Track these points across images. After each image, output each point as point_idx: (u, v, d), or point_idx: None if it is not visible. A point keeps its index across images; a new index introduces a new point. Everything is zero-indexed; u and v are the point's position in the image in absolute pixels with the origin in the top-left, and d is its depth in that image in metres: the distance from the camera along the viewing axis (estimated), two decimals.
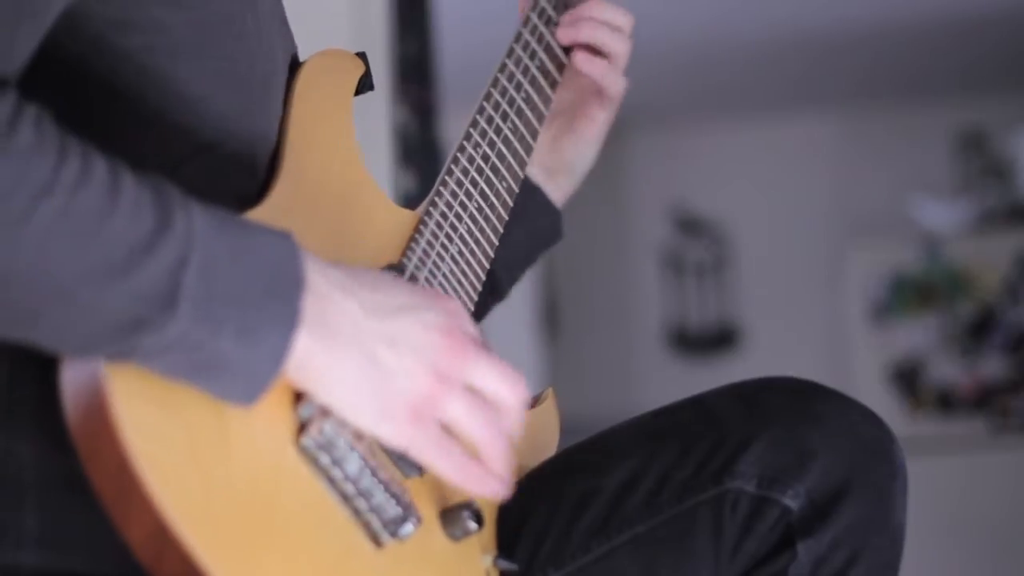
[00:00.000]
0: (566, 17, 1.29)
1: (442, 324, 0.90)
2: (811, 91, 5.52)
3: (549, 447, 1.20)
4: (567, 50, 1.30)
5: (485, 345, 0.93)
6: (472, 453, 0.91)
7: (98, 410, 0.80)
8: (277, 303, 0.84)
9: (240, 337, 0.82)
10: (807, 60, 5.06)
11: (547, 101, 1.26)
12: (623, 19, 1.30)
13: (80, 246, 0.79)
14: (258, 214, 0.96)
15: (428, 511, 0.97)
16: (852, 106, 5.65)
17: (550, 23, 1.29)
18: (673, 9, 4.33)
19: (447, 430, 0.90)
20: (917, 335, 5.19)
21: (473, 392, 0.91)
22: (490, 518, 1.06)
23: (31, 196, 0.78)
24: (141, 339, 0.80)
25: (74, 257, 0.79)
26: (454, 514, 0.98)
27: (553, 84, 1.28)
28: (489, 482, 0.91)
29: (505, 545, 1.07)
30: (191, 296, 0.81)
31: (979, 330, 5.16)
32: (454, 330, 0.90)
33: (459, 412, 0.90)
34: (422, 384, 0.88)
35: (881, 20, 4.64)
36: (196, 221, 0.83)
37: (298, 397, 0.89)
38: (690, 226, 5.86)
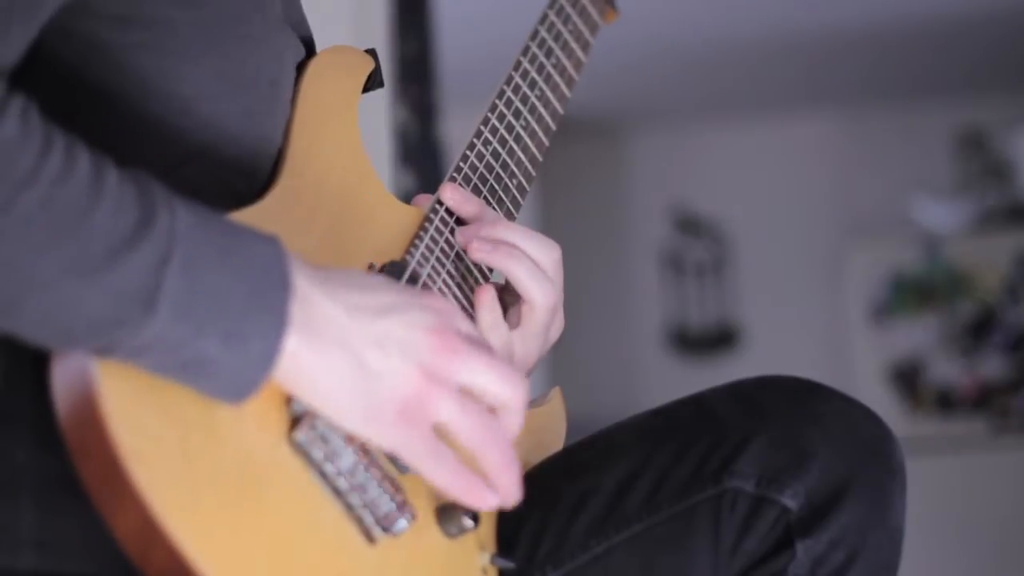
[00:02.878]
0: (480, 230, 1.10)
1: (431, 323, 0.88)
2: (811, 91, 5.52)
3: (554, 447, 1.19)
4: (586, 47, 1.29)
5: (484, 346, 0.90)
6: (470, 462, 0.89)
7: (87, 404, 0.80)
8: (264, 307, 0.83)
9: (227, 340, 0.81)
10: (807, 60, 5.06)
11: (563, 99, 1.26)
12: (545, 255, 1.10)
13: (60, 240, 0.79)
14: (252, 213, 0.95)
15: (424, 508, 0.96)
16: (852, 106, 5.64)
17: (568, 21, 1.28)
18: (673, 9, 4.33)
19: (442, 435, 0.88)
20: (917, 335, 5.20)
21: (469, 394, 0.88)
22: (488, 515, 1.05)
23: (12, 187, 0.78)
24: (121, 336, 0.80)
25: (54, 251, 0.79)
26: (450, 511, 0.97)
27: (570, 83, 1.27)
28: (481, 493, 0.89)
29: (504, 543, 1.06)
30: (171, 294, 0.80)
31: (979, 330, 5.16)
32: (444, 329, 0.88)
33: (452, 413, 0.87)
34: (410, 384, 0.86)
35: (881, 20, 4.64)
36: (180, 219, 0.82)
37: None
38: (690, 226, 5.86)
